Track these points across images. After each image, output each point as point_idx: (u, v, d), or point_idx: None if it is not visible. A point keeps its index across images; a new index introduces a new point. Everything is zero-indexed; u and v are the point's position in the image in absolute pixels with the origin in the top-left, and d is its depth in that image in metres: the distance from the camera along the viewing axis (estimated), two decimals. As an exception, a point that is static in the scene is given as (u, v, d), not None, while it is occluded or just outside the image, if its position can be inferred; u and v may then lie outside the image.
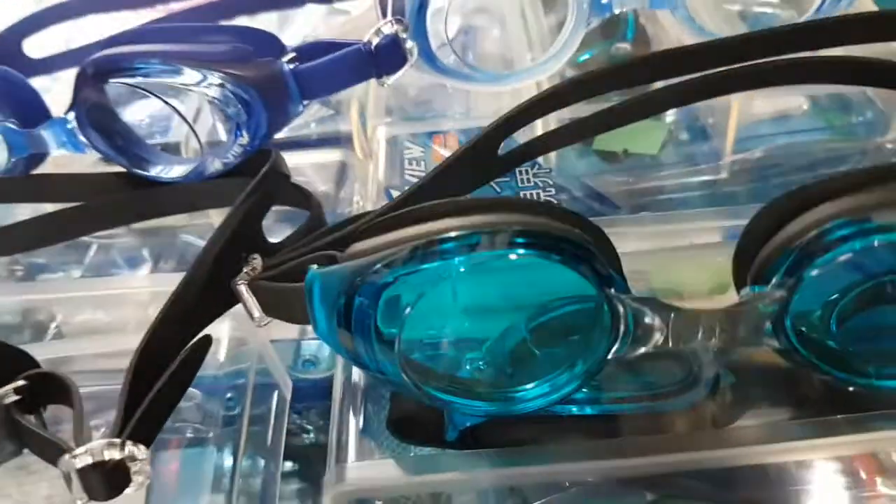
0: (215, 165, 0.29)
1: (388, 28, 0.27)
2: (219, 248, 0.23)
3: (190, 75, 0.27)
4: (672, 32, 0.35)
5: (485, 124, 0.26)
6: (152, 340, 0.21)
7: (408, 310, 0.19)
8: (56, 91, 0.39)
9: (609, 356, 0.19)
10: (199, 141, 0.29)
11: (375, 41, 0.27)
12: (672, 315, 0.18)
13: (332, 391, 0.25)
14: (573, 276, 0.18)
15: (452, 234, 0.18)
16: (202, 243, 0.34)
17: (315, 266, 0.21)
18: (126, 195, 0.29)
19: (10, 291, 0.31)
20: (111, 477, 0.19)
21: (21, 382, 0.20)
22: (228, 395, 0.26)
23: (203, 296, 0.23)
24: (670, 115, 0.34)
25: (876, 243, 0.17)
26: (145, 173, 0.29)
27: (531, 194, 0.28)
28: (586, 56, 0.36)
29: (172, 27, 0.34)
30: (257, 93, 0.27)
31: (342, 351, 0.21)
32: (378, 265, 0.18)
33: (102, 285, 0.30)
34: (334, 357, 0.32)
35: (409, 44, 0.28)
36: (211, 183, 0.29)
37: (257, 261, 0.23)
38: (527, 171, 0.29)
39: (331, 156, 0.33)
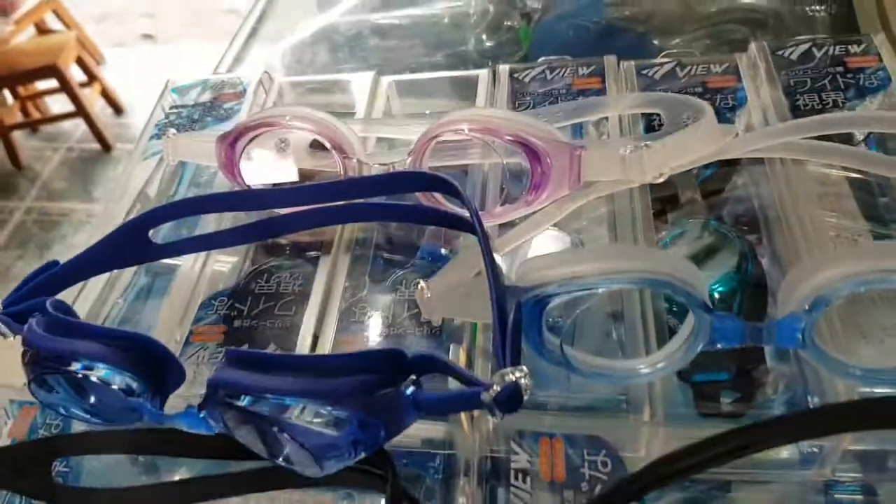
0: (339, 466, 0.30)
1: (511, 377, 0.28)
2: None
3: (313, 409, 0.28)
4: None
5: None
6: None
7: None
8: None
9: None
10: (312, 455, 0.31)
11: (498, 388, 0.28)
12: None
13: None
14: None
15: None
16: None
17: None
18: (259, 471, 0.32)
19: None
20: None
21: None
22: None
23: None
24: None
25: None
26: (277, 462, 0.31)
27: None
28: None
29: (300, 358, 0.35)
30: (379, 420, 0.29)
31: None
32: None
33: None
34: None
35: (527, 382, 0.29)
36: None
37: None
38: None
39: (437, 430, 0.34)
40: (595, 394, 0.35)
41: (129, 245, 0.41)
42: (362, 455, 0.30)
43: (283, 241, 0.45)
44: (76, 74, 2.24)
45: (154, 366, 0.33)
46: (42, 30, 2.37)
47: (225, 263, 0.46)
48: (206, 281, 0.43)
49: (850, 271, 0.29)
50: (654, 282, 0.30)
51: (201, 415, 0.31)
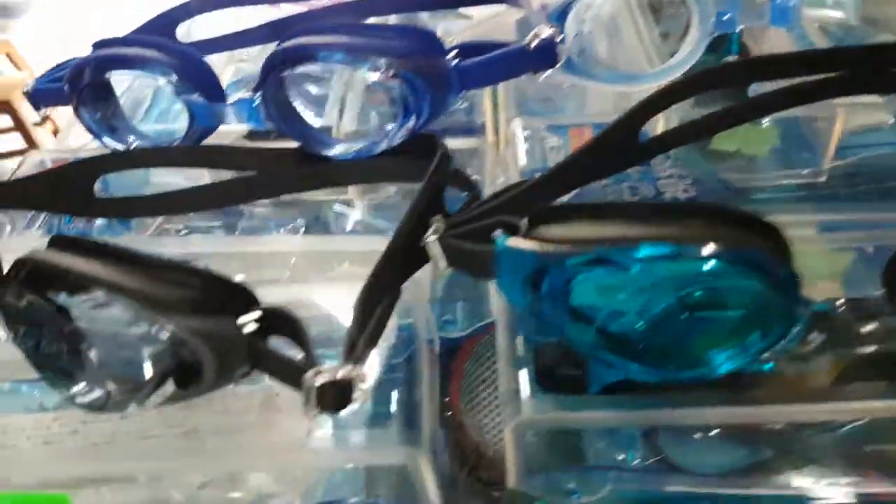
0: (381, 147, 0.32)
1: (546, 32, 0.31)
2: (415, 216, 0.27)
3: (370, 65, 0.30)
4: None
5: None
6: (368, 289, 0.25)
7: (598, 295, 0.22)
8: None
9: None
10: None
11: (534, 43, 0.31)
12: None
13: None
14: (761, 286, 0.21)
15: (655, 243, 0.21)
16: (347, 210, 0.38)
17: (500, 233, 0.24)
18: (302, 167, 0.33)
19: (168, 245, 0.34)
20: (340, 393, 0.22)
21: (259, 313, 0.24)
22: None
23: (404, 255, 0.26)
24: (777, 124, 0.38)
25: None
26: (319, 152, 0.33)
27: (670, 184, 0.32)
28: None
29: (343, 23, 0.37)
30: (426, 83, 0.31)
31: (524, 308, 0.25)
32: (571, 259, 0.22)
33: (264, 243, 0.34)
34: (469, 320, 0.36)
35: (562, 46, 0.31)
36: (374, 160, 0.33)
37: (440, 222, 0.27)
38: (662, 163, 0.32)
39: (467, 143, 0.36)
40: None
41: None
42: (411, 124, 0.31)
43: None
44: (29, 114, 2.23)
45: (198, 78, 0.34)
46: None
47: None
48: None
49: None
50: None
51: (255, 103, 0.32)
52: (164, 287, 0.23)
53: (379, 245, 0.31)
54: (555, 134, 0.35)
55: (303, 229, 0.37)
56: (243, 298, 0.24)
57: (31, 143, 2.36)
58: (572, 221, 0.24)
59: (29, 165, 0.39)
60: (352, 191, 0.39)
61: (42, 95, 0.38)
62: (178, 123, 0.40)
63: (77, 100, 0.35)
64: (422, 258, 0.27)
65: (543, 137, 0.34)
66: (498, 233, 0.24)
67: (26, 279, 0.23)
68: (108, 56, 0.34)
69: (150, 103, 0.46)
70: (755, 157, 0.37)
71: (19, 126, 2.33)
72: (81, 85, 0.34)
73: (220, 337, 0.23)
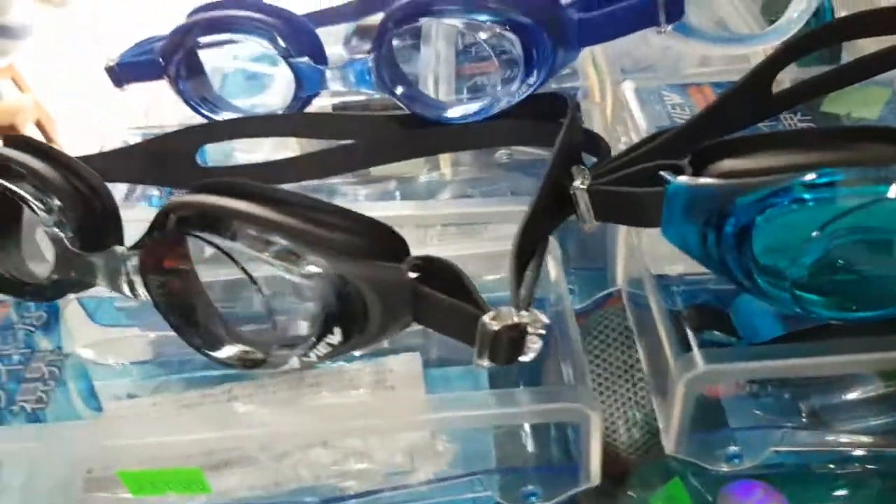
0: (501, 105, 0.31)
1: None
2: (558, 166, 0.26)
3: (488, 17, 0.29)
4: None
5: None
6: (520, 240, 0.23)
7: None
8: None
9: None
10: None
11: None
12: None
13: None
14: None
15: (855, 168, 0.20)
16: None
17: (670, 175, 0.23)
18: (416, 132, 0.32)
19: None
20: (515, 342, 0.21)
21: (419, 261, 0.22)
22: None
23: (550, 206, 0.25)
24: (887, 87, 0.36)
25: None
26: (434, 115, 0.31)
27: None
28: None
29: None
30: (549, 37, 0.30)
31: (692, 251, 0.23)
32: (762, 192, 0.21)
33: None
34: (586, 292, 0.34)
35: (683, -2, 0.30)
36: (490, 123, 0.31)
37: (585, 172, 0.25)
38: (791, 118, 0.31)
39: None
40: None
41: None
42: (533, 80, 0.30)
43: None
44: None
45: (302, 42, 0.33)
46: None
47: None
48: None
49: None
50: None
51: (368, 62, 0.31)
52: (329, 229, 0.21)
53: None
54: (674, 93, 0.34)
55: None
56: (401, 246, 0.22)
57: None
58: (746, 154, 0.23)
59: (113, 143, 0.37)
60: (443, 164, 0.38)
61: (128, 70, 0.36)
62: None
63: (175, 71, 0.34)
64: (567, 209, 0.26)
65: (663, 97, 0.33)
66: (667, 173, 0.23)
67: (179, 224, 0.21)
68: (211, 20, 0.32)
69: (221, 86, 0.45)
70: (864, 119, 0.36)
71: (24, 149, 2.30)
72: (179, 54, 0.33)
73: (386, 282, 0.21)
